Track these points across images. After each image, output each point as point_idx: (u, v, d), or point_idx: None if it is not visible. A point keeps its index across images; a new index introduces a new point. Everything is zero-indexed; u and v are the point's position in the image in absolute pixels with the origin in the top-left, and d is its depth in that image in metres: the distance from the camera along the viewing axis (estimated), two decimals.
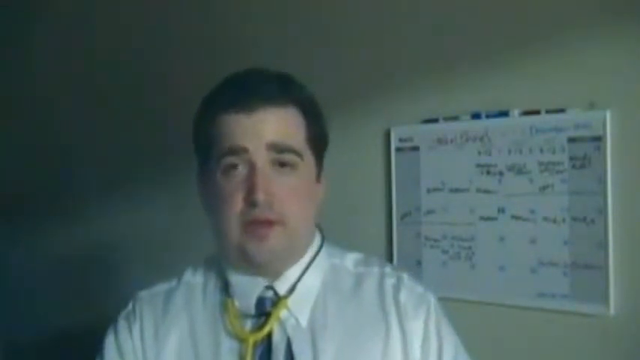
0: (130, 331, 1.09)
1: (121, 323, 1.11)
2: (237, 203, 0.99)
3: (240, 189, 1.00)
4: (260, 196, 0.98)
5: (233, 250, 1.03)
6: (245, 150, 1.00)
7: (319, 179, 1.10)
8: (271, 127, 1.01)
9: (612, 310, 1.46)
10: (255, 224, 0.99)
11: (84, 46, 2.59)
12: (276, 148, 1.01)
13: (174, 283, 1.14)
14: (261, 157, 1.00)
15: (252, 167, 1.00)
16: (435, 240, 1.74)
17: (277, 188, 1.00)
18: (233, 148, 1.00)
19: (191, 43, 2.26)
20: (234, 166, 1.01)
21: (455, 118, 1.69)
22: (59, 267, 2.61)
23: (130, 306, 1.13)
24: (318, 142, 1.08)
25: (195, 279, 1.13)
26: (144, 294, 1.13)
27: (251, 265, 1.04)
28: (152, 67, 2.37)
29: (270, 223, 1.00)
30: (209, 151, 1.04)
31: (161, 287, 1.14)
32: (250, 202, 0.98)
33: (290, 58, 1.61)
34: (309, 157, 1.05)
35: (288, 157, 1.01)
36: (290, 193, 1.01)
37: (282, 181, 1.01)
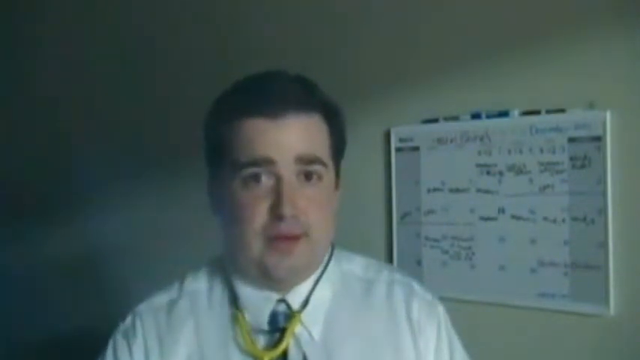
0: (130, 348, 1.02)
1: (120, 341, 1.04)
2: (261, 216, 0.94)
3: (264, 201, 0.94)
4: (287, 210, 0.92)
5: (251, 264, 0.97)
6: (271, 162, 0.93)
7: (337, 186, 1.04)
8: (299, 137, 0.95)
9: (612, 310, 1.47)
10: (281, 239, 0.94)
11: (84, 46, 2.59)
12: (304, 160, 0.95)
13: (174, 292, 1.06)
14: (289, 170, 0.94)
15: (278, 179, 0.94)
16: (435, 240, 1.74)
17: (303, 200, 0.94)
18: (258, 159, 0.94)
19: (192, 43, 2.26)
20: (256, 177, 0.94)
21: (455, 118, 1.69)
22: (59, 267, 2.60)
23: (129, 321, 1.05)
24: (340, 149, 1.03)
25: (198, 287, 1.06)
26: (143, 307, 1.06)
27: (269, 280, 0.98)
28: (154, 67, 2.37)
29: (296, 238, 0.95)
30: (224, 157, 0.97)
31: (161, 298, 1.06)
32: (277, 216, 0.93)
33: (290, 57, 1.61)
34: (331, 166, 1.00)
35: (314, 168, 0.96)
36: (315, 205, 0.95)
37: (307, 193, 0.95)
